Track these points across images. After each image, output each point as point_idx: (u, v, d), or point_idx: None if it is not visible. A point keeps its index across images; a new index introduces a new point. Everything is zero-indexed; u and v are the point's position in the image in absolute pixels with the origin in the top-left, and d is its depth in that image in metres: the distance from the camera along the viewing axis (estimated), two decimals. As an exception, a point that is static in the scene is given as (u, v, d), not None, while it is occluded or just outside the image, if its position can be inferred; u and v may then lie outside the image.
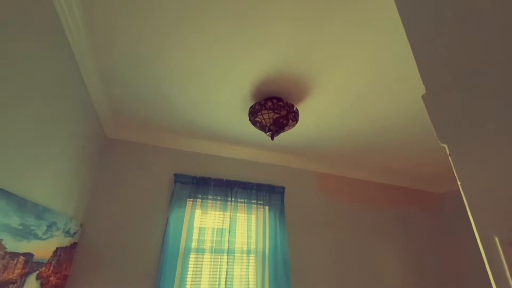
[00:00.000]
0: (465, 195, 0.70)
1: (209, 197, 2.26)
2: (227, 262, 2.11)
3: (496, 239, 0.60)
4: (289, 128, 1.76)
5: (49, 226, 1.39)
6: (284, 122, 1.68)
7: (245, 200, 2.39)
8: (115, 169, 2.13)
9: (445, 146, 0.77)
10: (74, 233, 1.78)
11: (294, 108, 1.70)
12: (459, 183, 0.72)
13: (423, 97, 0.85)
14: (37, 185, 1.24)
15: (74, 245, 1.81)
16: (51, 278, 1.54)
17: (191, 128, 2.18)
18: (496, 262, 0.61)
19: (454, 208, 3.30)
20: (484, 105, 0.75)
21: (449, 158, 0.75)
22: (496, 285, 0.61)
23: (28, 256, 1.23)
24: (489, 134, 0.72)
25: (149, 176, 2.18)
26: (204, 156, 2.42)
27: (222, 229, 2.22)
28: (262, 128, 1.72)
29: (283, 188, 2.55)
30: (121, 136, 2.22)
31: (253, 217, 2.40)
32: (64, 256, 1.67)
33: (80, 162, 1.73)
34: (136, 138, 2.26)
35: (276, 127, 1.68)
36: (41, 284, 1.41)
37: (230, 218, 2.27)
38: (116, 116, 2.04)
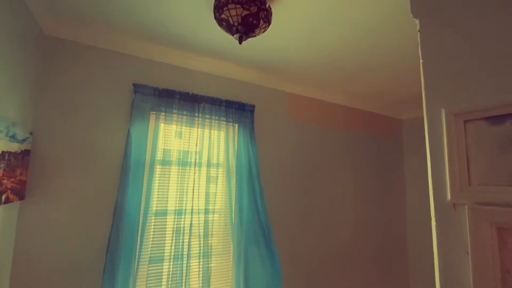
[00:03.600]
0: (423, 71, 0.67)
1: (174, 111, 2.16)
2: (195, 174, 2.17)
3: (443, 110, 0.61)
4: (260, 32, 1.58)
5: (-17, 126, 1.24)
6: (255, 22, 1.48)
7: (214, 117, 2.33)
8: (64, 74, 1.87)
9: (417, 21, 0.71)
10: (23, 140, 1.65)
11: (267, 5, 1.48)
12: (421, 61, 0.69)
13: (406, -38, 0.73)
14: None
15: (26, 152, 1.70)
16: (5, 181, 1.48)
17: (149, 30, 1.89)
18: (437, 133, 0.63)
19: (410, 133, 3.59)
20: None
21: (418, 34, 0.70)
22: (431, 155, 0.66)
23: (-37, 153, 1.12)
24: (458, 11, 0.66)
25: (104, 83, 1.96)
26: (167, 66, 2.20)
27: (188, 144, 2.20)
28: (229, 28, 1.52)
29: (253, 106, 2.50)
30: (66, 35, 1.88)
31: (222, 133, 2.39)
32: (15, 161, 1.58)
33: (9, 61, 1.47)
34: (86, 39, 1.93)
35: (244, 28, 1.49)
36: (-8, 185, 1.35)
37: (197, 133, 2.23)
38: (51, 4, 1.66)
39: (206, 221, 2.17)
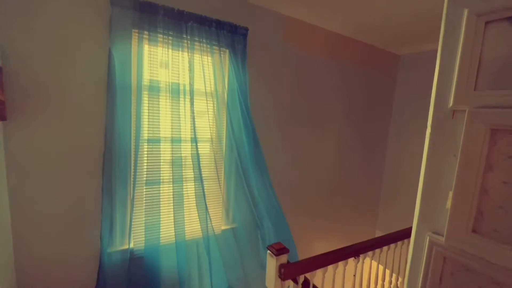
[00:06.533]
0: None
1: (158, 30, 1.94)
2: (184, 102, 2.10)
3: (466, 10, 0.57)
4: None
5: None
6: None
7: (203, 40, 2.14)
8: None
9: None
10: (-10, 55, 1.48)
11: None
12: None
13: None
14: None
15: (-3, 70, 1.55)
16: (-21, 100, 1.38)
17: None
18: (453, 34, 0.60)
19: (405, 69, 3.52)
20: None
21: None
22: (442, 59, 0.64)
23: None
24: None
25: (73, -9, 1.68)
26: (147, -27, 1.87)
27: (178, 71, 2.06)
28: None
29: (246, 29, 2.29)
30: None
31: (214, 59, 2.22)
32: (-14, 78, 1.45)
33: None
34: None
35: None
36: (-34, 102, 1.26)
37: (188, 58, 2.07)
38: None
39: (198, 149, 2.22)
